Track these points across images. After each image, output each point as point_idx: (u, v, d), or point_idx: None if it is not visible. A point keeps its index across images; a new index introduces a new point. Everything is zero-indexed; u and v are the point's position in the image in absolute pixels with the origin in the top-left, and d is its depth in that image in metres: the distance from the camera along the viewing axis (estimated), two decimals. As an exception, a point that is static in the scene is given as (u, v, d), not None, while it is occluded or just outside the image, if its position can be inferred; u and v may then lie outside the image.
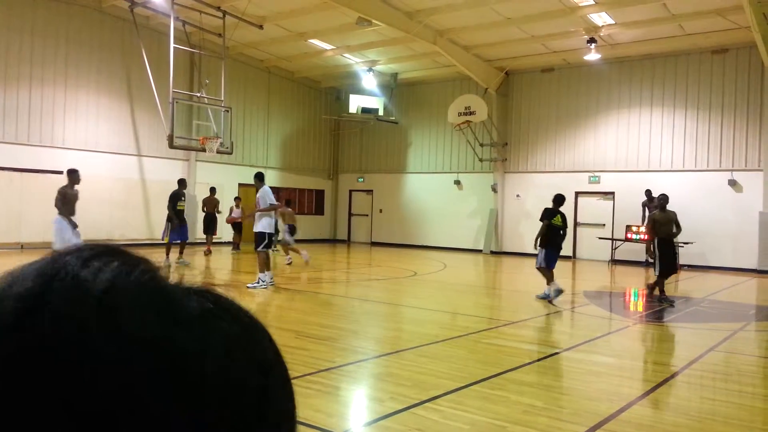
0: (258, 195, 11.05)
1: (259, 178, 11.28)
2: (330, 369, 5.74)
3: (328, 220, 26.11)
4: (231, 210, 19.04)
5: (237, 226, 18.95)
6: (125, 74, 18.80)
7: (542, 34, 18.06)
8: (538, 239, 10.48)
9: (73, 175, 10.56)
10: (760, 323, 9.53)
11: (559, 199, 10.77)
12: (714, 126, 18.39)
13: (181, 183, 14.88)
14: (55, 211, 10.49)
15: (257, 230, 11.07)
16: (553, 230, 10.49)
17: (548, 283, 10.42)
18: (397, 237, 24.00)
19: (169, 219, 14.21)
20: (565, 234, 10.81)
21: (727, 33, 16.88)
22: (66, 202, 10.42)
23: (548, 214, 10.58)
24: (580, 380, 5.69)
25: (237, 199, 19.46)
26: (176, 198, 14.33)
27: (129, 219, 18.63)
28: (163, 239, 14.39)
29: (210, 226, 17.81)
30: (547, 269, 10.46)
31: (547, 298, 10.35)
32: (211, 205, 18.05)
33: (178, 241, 14.34)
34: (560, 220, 10.62)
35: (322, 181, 25.96)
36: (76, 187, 10.61)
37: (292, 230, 15.57)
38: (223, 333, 0.43)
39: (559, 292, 10.33)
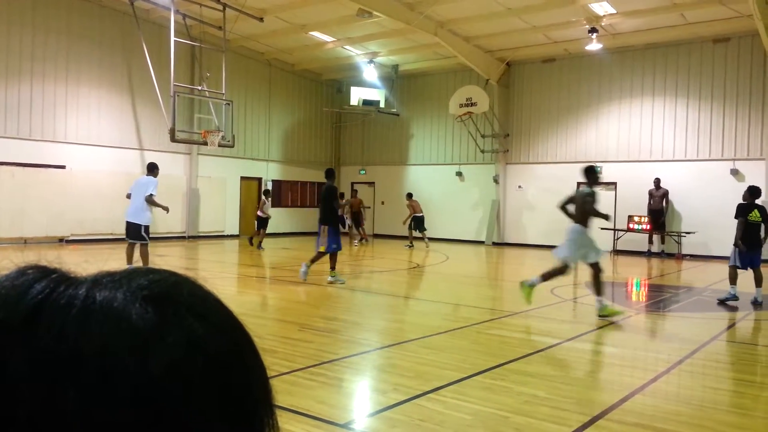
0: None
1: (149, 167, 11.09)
2: (333, 361, 5.76)
3: (330, 213, 26.09)
4: (262, 204, 18.32)
5: (262, 221, 18.21)
6: (126, 68, 18.78)
7: (543, 25, 17.99)
8: (739, 240, 9.39)
9: (591, 175, 8.86)
10: (762, 312, 9.53)
11: (754, 192, 9.48)
12: (716, 115, 18.34)
13: (330, 174, 11.25)
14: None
15: (146, 223, 10.77)
16: (751, 228, 9.40)
17: (732, 283, 9.56)
18: (400, 229, 23.98)
19: (326, 220, 10.82)
20: None
21: (729, 22, 16.81)
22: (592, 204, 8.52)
23: (742, 211, 9.43)
24: (582, 370, 5.71)
25: (267, 192, 19.19)
26: (334, 193, 11.09)
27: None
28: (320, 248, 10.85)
29: (357, 221, 20.75)
30: (734, 268, 9.56)
31: (732, 299, 9.49)
32: (356, 203, 20.63)
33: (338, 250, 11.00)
34: (758, 214, 9.42)
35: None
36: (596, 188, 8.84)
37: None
38: (170, 348, 0.40)
39: (733, 297, 9.48)
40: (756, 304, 9.49)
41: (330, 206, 10.78)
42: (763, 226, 9.54)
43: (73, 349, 0.38)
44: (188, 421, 0.40)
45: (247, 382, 0.44)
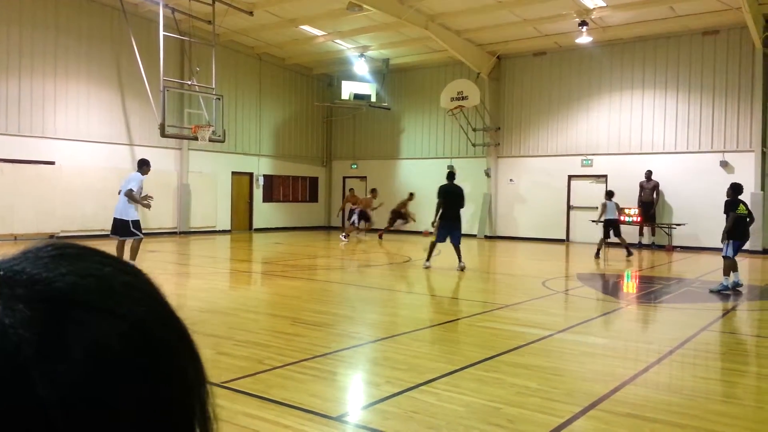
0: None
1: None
2: (326, 354, 5.76)
3: (322, 207, 26.10)
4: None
5: (363, 214, 20.64)
6: (115, 63, 18.65)
7: (534, 18, 18.00)
8: (727, 233, 9.97)
9: None
10: (751, 302, 9.62)
11: (737, 188, 10.22)
12: (706, 108, 18.42)
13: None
14: None
15: (134, 218, 10.75)
16: (741, 221, 10.06)
17: (726, 274, 10.03)
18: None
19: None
20: (752, 221, 10.29)
21: (719, 14, 16.87)
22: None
23: (732, 206, 10.07)
24: (574, 361, 5.74)
25: (373, 190, 21.25)
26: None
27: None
28: None
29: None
30: (730, 259, 10.04)
31: (724, 290, 9.97)
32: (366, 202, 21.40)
33: None
34: (744, 209, 10.13)
35: (316, 168, 25.92)
36: None
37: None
38: (59, 365, 0.36)
39: (726, 288, 9.94)
40: (737, 287, 10.12)
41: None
42: (748, 219, 10.21)
43: None
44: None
45: (169, 374, 0.40)
